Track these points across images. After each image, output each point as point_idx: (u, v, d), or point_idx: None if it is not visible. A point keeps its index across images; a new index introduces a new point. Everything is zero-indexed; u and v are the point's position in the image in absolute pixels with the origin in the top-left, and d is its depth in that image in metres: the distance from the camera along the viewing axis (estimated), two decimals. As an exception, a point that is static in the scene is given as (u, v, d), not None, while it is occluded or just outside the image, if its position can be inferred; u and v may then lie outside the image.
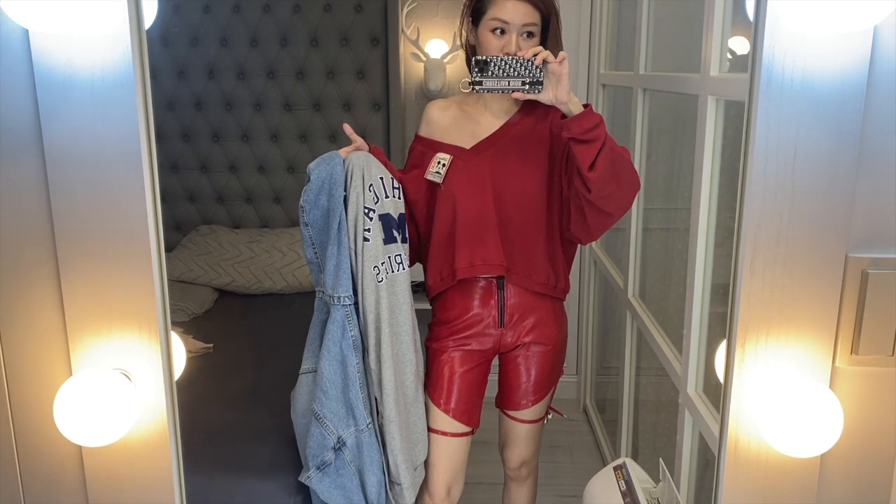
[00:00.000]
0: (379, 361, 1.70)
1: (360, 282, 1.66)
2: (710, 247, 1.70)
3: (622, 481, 1.96)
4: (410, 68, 3.55)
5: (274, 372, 2.39)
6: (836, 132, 0.96)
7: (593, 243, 3.12)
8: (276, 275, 3.32)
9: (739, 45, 1.66)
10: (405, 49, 3.50)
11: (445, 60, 3.44)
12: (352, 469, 1.73)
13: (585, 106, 1.57)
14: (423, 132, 1.85)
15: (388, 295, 1.68)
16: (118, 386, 0.98)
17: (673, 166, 2.26)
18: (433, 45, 3.46)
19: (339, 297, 1.66)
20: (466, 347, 1.85)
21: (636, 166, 2.27)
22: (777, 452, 1.03)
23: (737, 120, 1.01)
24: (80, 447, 1.05)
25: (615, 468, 2.03)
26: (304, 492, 1.94)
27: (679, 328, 1.89)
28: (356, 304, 1.68)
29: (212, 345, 2.62)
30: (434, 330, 1.90)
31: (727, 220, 1.02)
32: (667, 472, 1.82)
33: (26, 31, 0.93)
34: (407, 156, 1.90)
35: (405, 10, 3.43)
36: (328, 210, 1.67)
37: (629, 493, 1.89)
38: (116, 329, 1.00)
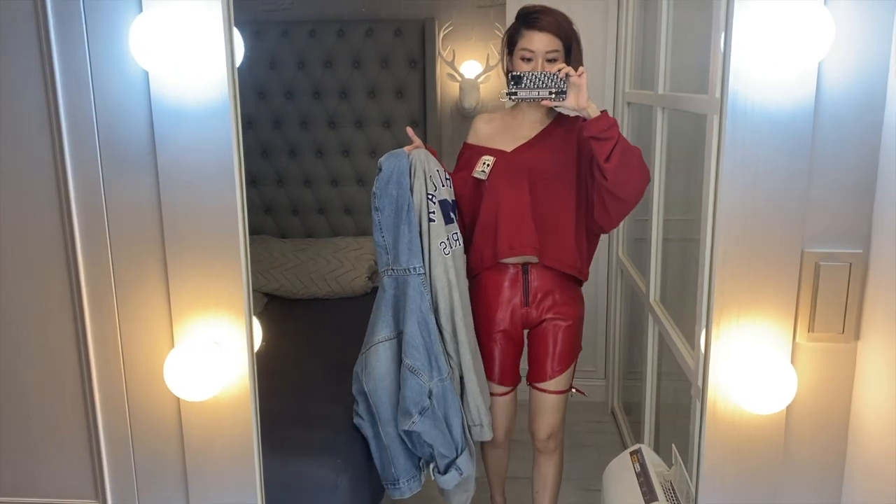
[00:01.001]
0: (452, 319, 2.05)
1: (427, 256, 2.01)
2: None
3: (637, 464, 2.14)
4: (446, 88, 3.71)
5: (320, 367, 2.58)
6: (790, 149, 1.14)
7: (621, 252, 3.29)
8: (321, 281, 3.49)
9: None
10: (441, 70, 3.66)
11: (479, 80, 3.59)
12: (439, 414, 2.04)
13: (602, 112, 1.90)
14: (471, 140, 2.22)
15: (454, 264, 2.03)
16: (213, 353, 1.23)
17: (690, 180, 2.36)
18: (468, 66, 3.61)
19: (414, 268, 2.00)
20: (501, 328, 2.21)
21: (656, 180, 2.51)
22: (747, 412, 1.23)
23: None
24: (178, 402, 1.29)
25: (631, 453, 2.21)
26: (350, 471, 2.13)
27: (693, 327, 2.09)
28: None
29: (264, 343, 2.86)
30: (476, 319, 2.20)
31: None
32: (679, 457, 1.99)
33: (146, 73, 1.18)
34: (456, 161, 2.26)
35: (442, 34, 3.60)
36: (396, 197, 2.00)
37: (643, 475, 2.07)
38: (211, 309, 1.24)
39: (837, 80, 1.15)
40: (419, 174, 2.02)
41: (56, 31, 1.19)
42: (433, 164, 2.05)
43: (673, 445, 2.08)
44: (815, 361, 1.25)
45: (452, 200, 2.07)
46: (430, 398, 2.02)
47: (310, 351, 2.82)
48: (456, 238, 2.06)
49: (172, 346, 1.27)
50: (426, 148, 2.09)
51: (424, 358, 2.02)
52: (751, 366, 1.21)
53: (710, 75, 1.90)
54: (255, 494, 1.34)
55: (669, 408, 2.62)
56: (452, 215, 2.06)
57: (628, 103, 3.17)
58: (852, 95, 1.16)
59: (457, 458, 2.11)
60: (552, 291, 2.19)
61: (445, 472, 2.12)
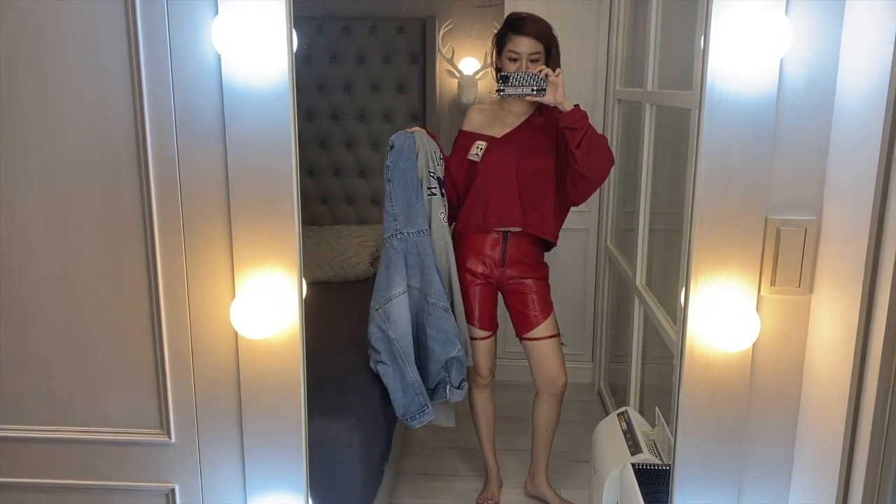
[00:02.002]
0: (449, 267, 2.44)
1: (431, 222, 2.39)
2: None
3: (624, 423, 2.32)
4: (445, 83, 3.80)
5: (330, 339, 2.73)
6: (757, 131, 1.35)
7: (609, 242, 3.38)
8: (326, 265, 3.54)
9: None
10: (441, 66, 3.75)
11: (477, 77, 3.67)
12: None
13: (575, 106, 2.26)
14: (466, 127, 2.56)
15: (448, 231, 2.45)
16: (271, 299, 1.44)
17: (676, 173, 2.44)
18: (466, 63, 3.70)
19: (424, 230, 2.37)
20: (480, 282, 2.57)
21: (644, 174, 2.69)
22: (719, 350, 1.44)
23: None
24: (236, 343, 1.49)
25: (618, 414, 2.38)
26: (361, 430, 2.27)
27: (675, 306, 2.22)
28: None
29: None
30: (458, 271, 2.53)
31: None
32: (661, 418, 2.15)
33: (219, 56, 1.38)
34: (452, 146, 2.60)
35: (442, 32, 3.68)
36: (405, 171, 2.34)
37: (629, 432, 2.24)
38: (268, 263, 1.45)
39: (796, 74, 1.36)
40: (422, 153, 2.38)
41: (142, 19, 1.39)
42: (432, 146, 2.43)
43: (656, 408, 2.25)
44: (776, 310, 1.45)
45: (442, 178, 2.46)
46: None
47: (319, 326, 2.92)
48: (446, 208, 2.46)
49: (233, 293, 1.47)
50: (426, 130, 2.45)
51: (447, 300, 2.39)
52: (722, 313, 1.42)
53: (694, 72, 2.05)
54: (300, 429, 1.54)
55: (653, 386, 2.77)
56: (443, 190, 2.46)
57: (618, 100, 3.28)
58: (808, 87, 1.36)
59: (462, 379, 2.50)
60: (524, 255, 2.56)
61: (459, 386, 2.48)
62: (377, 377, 2.55)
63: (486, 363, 2.67)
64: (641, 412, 2.69)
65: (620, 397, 3.17)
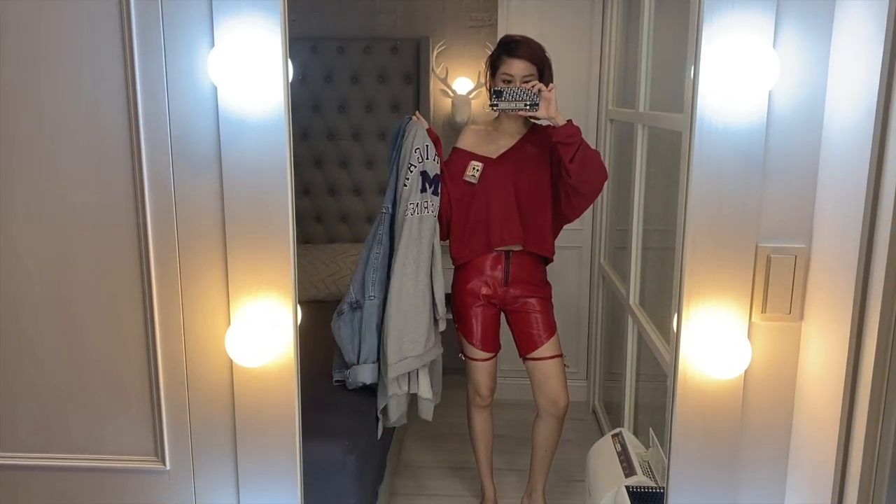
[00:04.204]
0: (418, 267, 2.37)
1: (398, 215, 2.36)
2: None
3: (618, 444, 2.32)
4: (439, 103, 3.83)
5: (324, 360, 2.73)
6: (747, 161, 1.36)
7: (602, 260, 3.39)
8: (321, 284, 3.57)
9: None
10: (435, 86, 3.78)
11: (471, 96, 3.71)
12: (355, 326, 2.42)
13: (568, 121, 2.27)
14: (461, 145, 2.54)
15: (417, 227, 2.35)
16: (266, 327, 1.45)
17: (667, 193, 2.46)
18: (460, 83, 3.74)
19: (387, 208, 2.37)
20: (482, 303, 2.55)
21: (636, 193, 2.70)
22: (711, 377, 1.45)
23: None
24: (231, 371, 1.49)
25: (613, 435, 2.38)
26: (356, 452, 2.28)
27: (668, 326, 2.18)
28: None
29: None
30: (461, 291, 2.56)
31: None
32: (655, 439, 2.16)
33: (215, 87, 1.40)
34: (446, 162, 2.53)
35: (436, 52, 3.72)
36: (392, 150, 2.41)
37: (623, 453, 2.24)
38: (263, 291, 1.46)
39: (784, 105, 1.37)
40: (407, 141, 2.38)
41: (139, 51, 1.40)
42: (422, 139, 2.39)
43: (650, 429, 2.25)
44: (767, 337, 1.46)
45: (435, 175, 2.40)
46: (355, 309, 2.44)
47: (314, 345, 2.93)
48: (426, 206, 2.37)
49: (228, 320, 1.48)
50: (429, 129, 2.43)
51: (358, 276, 2.42)
52: (714, 340, 1.44)
53: (686, 96, 2.06)
54: (294, 455, 1.55)
55: (647, 405, 2.76)
56: (428, 186, 2.40)
57: (610, 120, 3.30)
58: (796, 116, 1.38)
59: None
60: (527, 274, 2.55)
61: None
62: (372, 397, 2.55)
63: (487, 384, 2.66)
64: (636, 431, 2.73)
65: (615, 415, 3.16)
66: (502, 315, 2.66)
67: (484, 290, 2.55)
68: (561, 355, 2.60)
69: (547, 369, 2.58)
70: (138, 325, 1.53)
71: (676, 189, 2.14)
